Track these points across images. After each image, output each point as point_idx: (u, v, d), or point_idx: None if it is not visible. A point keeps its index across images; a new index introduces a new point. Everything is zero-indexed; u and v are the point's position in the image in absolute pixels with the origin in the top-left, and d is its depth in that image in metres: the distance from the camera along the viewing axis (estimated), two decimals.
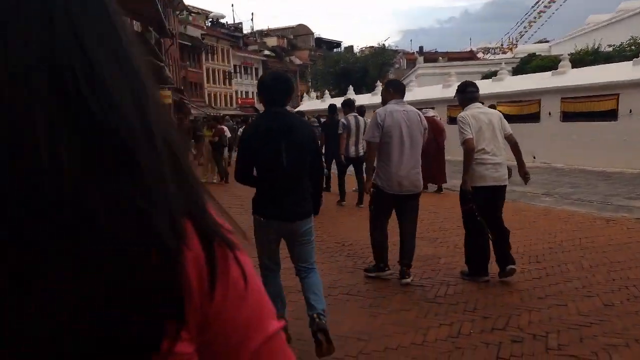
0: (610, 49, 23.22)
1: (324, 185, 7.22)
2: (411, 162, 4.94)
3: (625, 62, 16.01)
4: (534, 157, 16.76)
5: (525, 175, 5.11)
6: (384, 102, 5.14)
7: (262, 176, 3.46)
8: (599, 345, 3.63)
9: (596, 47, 23.81)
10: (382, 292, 4.83)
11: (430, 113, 10.44)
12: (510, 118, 19.11)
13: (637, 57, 14.98)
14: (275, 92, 3.46)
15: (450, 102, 15.93)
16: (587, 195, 10.05)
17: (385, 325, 4.06)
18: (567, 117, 15.66)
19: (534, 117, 16.74)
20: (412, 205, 5.10)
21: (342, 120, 9.62)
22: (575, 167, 14.26)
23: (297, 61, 68.69)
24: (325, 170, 8.29)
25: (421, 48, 70.47)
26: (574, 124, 15.20)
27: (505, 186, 5.04)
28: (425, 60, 39.11)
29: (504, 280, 5.02)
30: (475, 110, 5.03)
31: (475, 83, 5.32)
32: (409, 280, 5.00)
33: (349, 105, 9.88)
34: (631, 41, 22.39)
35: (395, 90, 5.19)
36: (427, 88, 23.44)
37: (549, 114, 16.23)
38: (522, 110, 17.06)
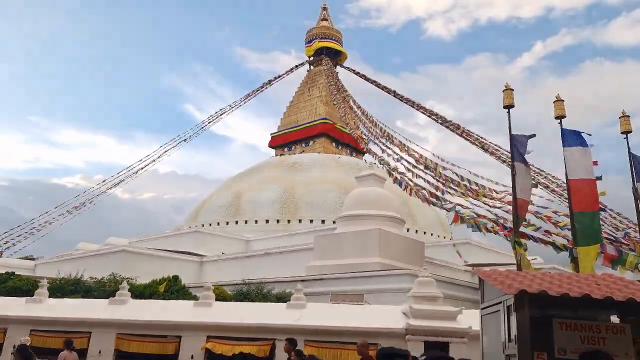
0: (92, 281, 23.35)
1: None
2: None
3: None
4: None
5: None
6: None
7: None
8: None
9: (79, 277, 23.56)
10: None
11: None
12: None
13: (117, 292, 15.74)
14: None
15: None
16: None
17: None
18: None
19: None
20: None
21: None
22: None
23: None
24: None
25: None
26: None
27: None
28: None
29: None
30: None
31: None
32: None
33: None
34: (111, 277, 23.17)
35: None
36: None
37: None
38: None
